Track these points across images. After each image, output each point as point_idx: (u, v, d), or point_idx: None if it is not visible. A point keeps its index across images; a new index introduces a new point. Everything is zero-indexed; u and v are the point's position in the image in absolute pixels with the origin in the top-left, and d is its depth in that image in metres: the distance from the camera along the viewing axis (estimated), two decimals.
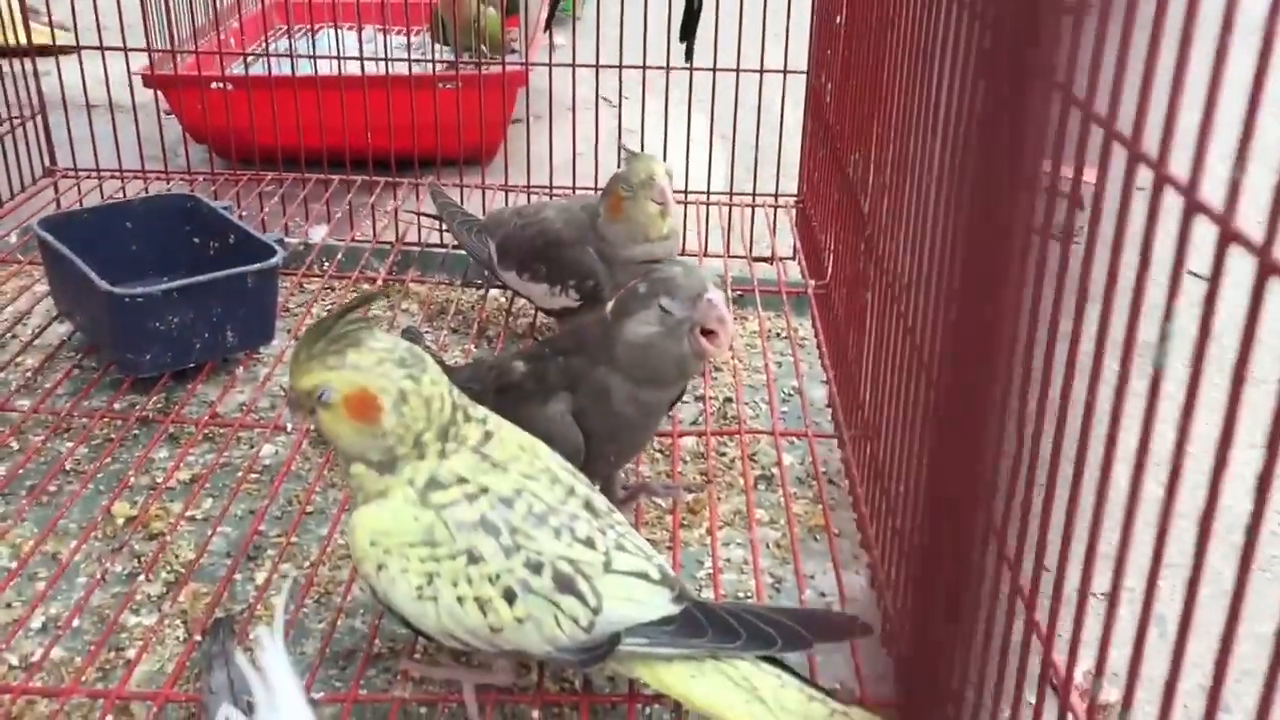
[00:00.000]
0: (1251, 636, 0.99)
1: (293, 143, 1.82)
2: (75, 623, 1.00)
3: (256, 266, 1.37)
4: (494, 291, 1.63)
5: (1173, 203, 0.52)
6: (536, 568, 0.82)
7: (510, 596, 0.82)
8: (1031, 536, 0.71)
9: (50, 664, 0.96)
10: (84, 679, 0.93)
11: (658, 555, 0.88)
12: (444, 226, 1.60)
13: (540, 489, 0.86)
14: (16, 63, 1.79)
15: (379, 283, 1.65)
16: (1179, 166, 0.52)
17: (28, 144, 1.83)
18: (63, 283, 1.42)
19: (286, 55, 1.94)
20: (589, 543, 0.84)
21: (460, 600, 0.82)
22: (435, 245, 1.73)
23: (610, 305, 1.05)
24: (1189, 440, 0.51)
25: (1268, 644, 0.45)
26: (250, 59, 2.25)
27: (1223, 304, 0.49)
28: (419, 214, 1.73)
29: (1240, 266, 0.47)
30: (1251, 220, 0.43)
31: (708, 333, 1.00)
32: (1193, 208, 0.50)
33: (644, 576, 0.85)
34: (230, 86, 1.93)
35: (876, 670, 0.99)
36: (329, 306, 1.60)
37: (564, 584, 0.82)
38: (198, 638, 0.96)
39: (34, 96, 1.84)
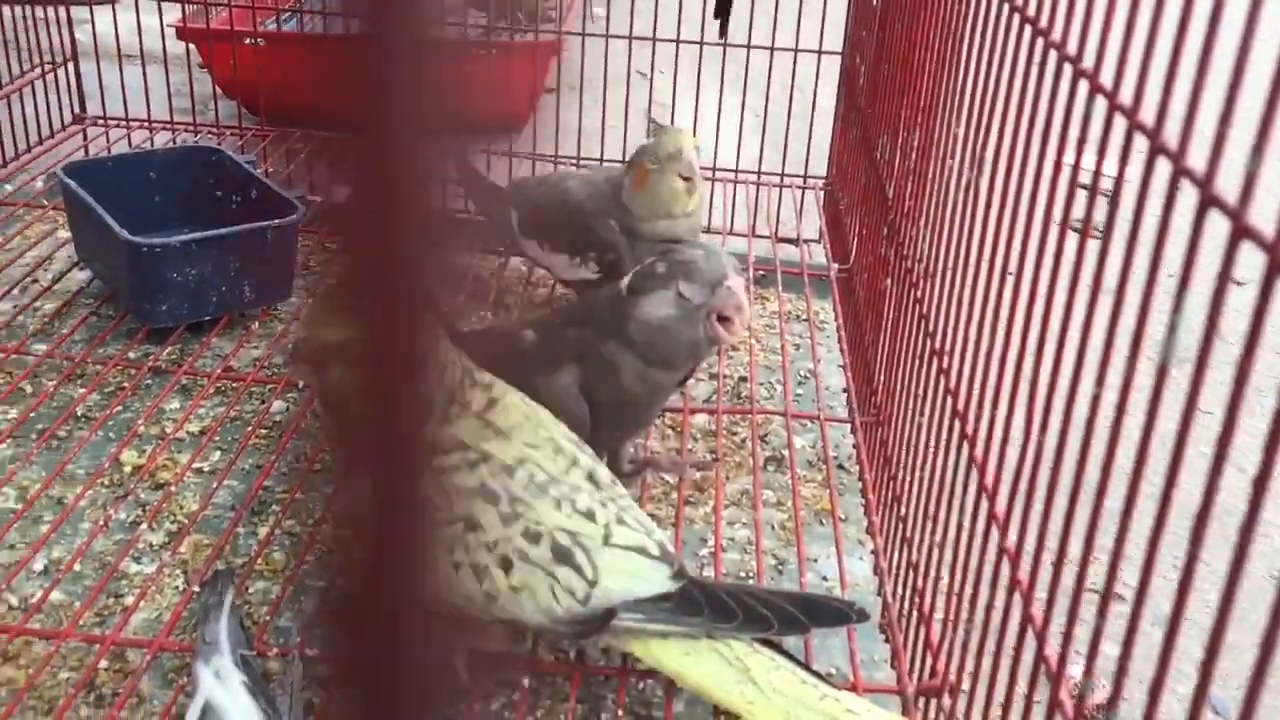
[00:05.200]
0: (1252, 642, 0.97)
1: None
2: (76, 567, 1.01)
3: (276, 222, 1.37)
4: (514, 260, 1.62)
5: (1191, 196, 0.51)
6: (535, 538, 0.82)
7: (507, 566, 0.82)
8: (1032, 530, 0.70)
9: (49, 606, 0.97)
10: (81, 623, 0.94)
11: (658, 531, 0.87)
12: (466, 192, 1.60)
13: (543, 458, 0.85)
14: (51, 10, 1.79)
15: None
16: (1197, 160, 0.51)
17: (58, 90, 1.84)
18: (84, 230, 1.42)
19: (320, 12, 1.93)
20: (589, 515, 0.84)
21: (456, 567, 0.82)
22: (458, 211, 1.73)
23: (627, 280, 1.04)
24: (1190, 438, 0.50)
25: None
26: (284, 15, 2.25)
27: (1233, 300, 0.48)
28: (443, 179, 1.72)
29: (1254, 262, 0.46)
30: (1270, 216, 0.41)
31: (724, 319, 0.99)
32: (1208, 201, 0.48)
33: (643, 551, 0.85)
34: (262, 42, 1.92)
35: (873, 657, 0.98)
36: None
37: (561, 555, 0.82)
38: (196, 588, 0.97)
39: (66, 44, 1.84)
